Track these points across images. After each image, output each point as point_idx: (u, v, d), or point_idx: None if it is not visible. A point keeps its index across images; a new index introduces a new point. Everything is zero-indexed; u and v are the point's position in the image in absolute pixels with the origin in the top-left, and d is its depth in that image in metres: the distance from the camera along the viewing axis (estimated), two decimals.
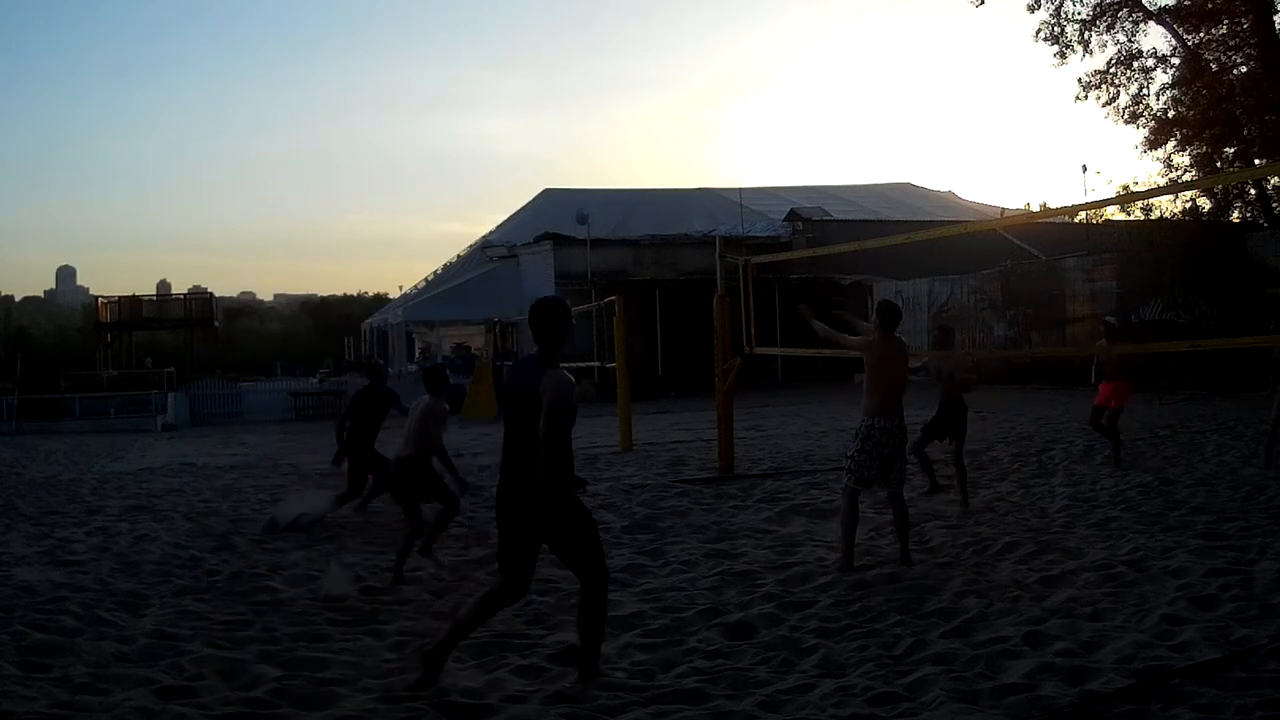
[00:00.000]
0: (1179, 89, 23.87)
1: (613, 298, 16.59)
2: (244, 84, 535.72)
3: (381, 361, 12.28)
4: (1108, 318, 12.58)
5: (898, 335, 7.17)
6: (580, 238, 31.26)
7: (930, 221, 35.17)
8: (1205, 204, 23.47)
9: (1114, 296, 23.50)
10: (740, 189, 39.11)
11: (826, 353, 11.24)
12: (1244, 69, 23.56)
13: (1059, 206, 31.93)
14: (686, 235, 34.19)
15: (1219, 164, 22.63)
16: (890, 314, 7.18)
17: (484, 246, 40.22)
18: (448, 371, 8.98)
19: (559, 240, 31.86)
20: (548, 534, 4.74)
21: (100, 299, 40.85)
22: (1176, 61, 24.27)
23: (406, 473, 7.62)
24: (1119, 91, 24.78)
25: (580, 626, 4.93)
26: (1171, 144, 23.41)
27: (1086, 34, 24.65)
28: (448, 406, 7.89)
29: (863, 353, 7.19)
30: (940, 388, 9.48)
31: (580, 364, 25.20)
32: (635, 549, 7.92)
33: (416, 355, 39.38)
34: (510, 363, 9.90)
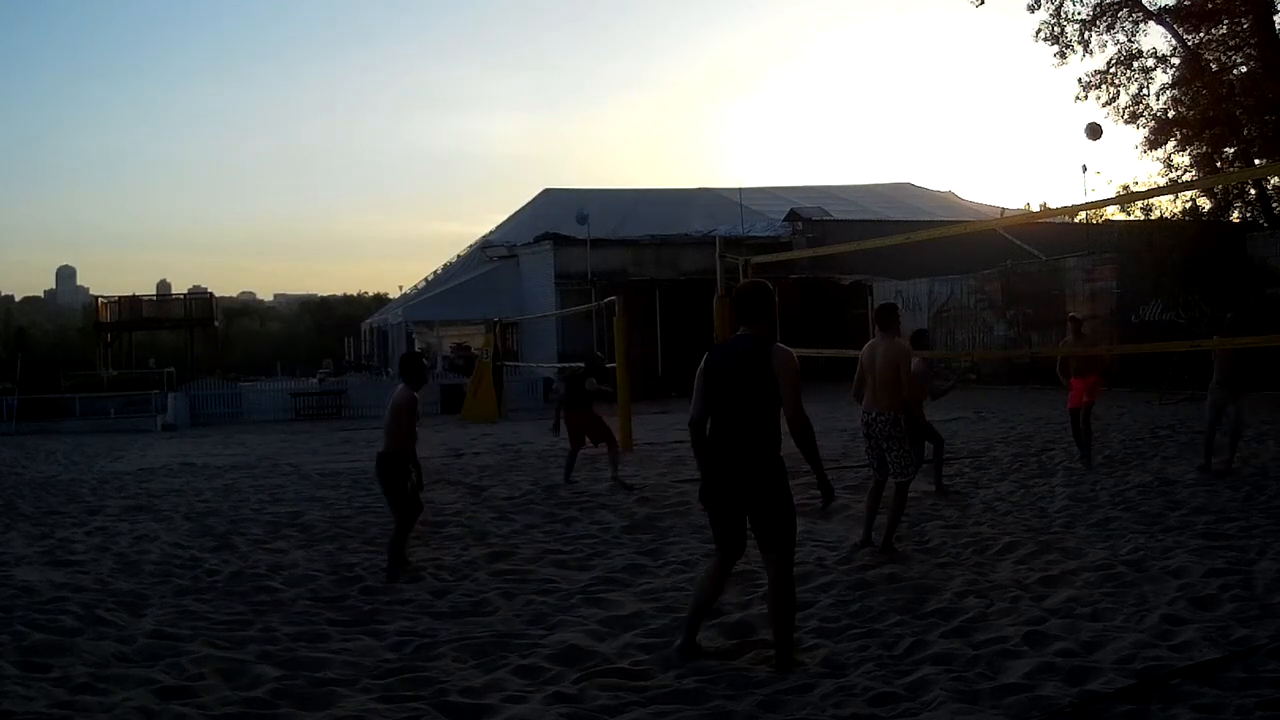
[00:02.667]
0: (1179, 89, 23.82)
1: (613, 298, 16.59)
2: (246, 84, 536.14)
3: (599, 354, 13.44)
4: (1073, 314, 12.56)
5: (890, 334, 7.57)
6: (580, 238, 31.25)
7: (930, 221, 35.15)
8: (1205, 204, 23.43)
9: (1114, 296, 23.49)
10: (740, 189, 39.10)
11: (827, 353, 11.30)
12: (1244, 69, 23.51)
13: (1059, 206, 31.90)
14: (686, 235, 34.17)
15: (1219, 164, 22.58)
16: (881, 314, 7.71)
17: (484, 246, 40.21)
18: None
19: (559, 240, 31.85)
20: (761, 502, 4.90)
21: (100, 299, 40.88)
22: (1176, 61, 24.21)
23: (383, 469, 7.56)
24: (1119, 91, 24.73)
25: (772, 612, 5.03)
26: (1171, 144, 23.36)
27: (1086, 34, 24.60)
28: (416, 396, 7.64)
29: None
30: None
31: (580, 364, 25.23)
32: (635, 549, 7.92)
33: None
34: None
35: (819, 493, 5.35)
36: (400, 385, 7.69)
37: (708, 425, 5.01)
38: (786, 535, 4.97)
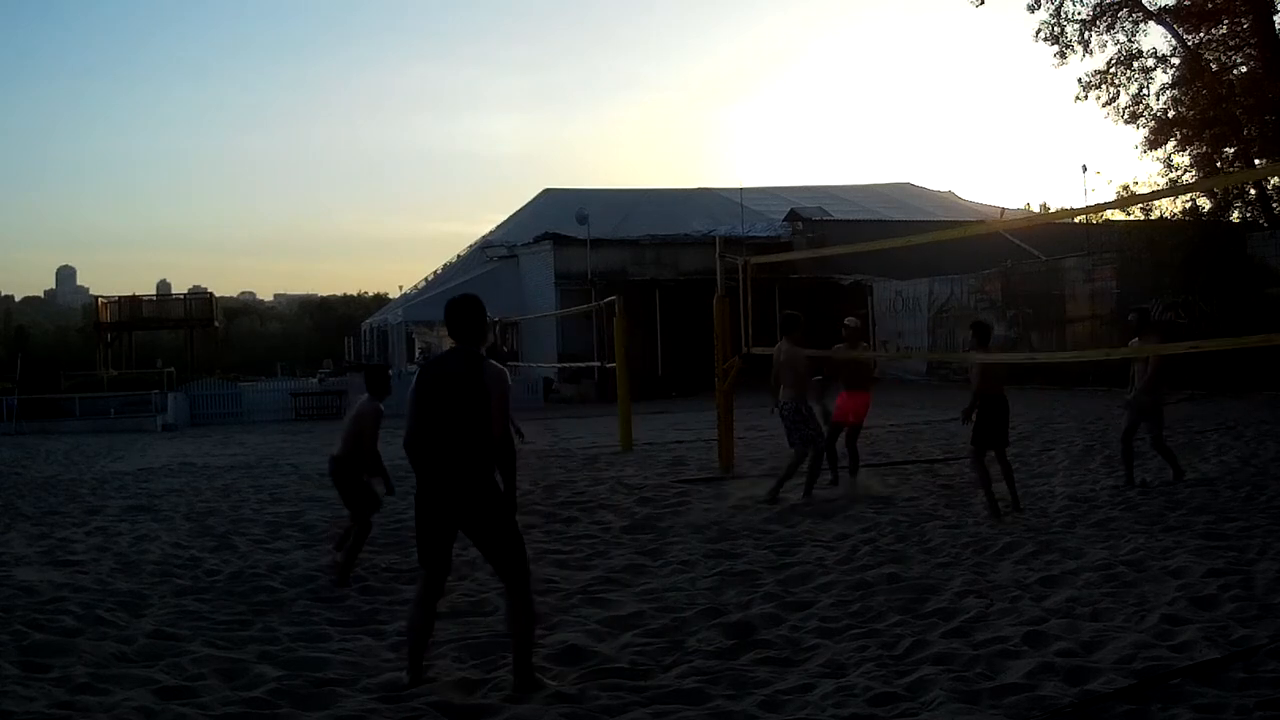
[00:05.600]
0: (1179, 89, 23.83)
1: (613, 298, 16.59)
2: (246, 83, 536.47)
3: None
4: (848, 319, 10.98)
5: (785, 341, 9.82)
6: (580, 238, 31.25)
7: (930, 221, 35.14)
8: (1205, 204, 23.43)
9: (1114, 297, 23.48)
10: (740, 189, 39.08)
11: (826, 353, 11.27)
12: (1244, 69, 23.52)
13: (1060, 209, 31.92)
14: (686, 235, 34.17)
15: (1219, 164, 22.58)
16: (785, 323, 9.93)
17: (484, 246, 40.23)
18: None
19: (559, 240, 31.86)
20: (480, 522, 4.75)
21: (100, 299, 40.81)
22: (1176, 61, 24.23)
23: (337, 472, 7.51)
24: (1119, 91, 24.74)
25: (510, 630, 4.85)
26: (1171, 144, 23.36)
27: (1086, 34, 24.61)
28: (382, 408, 7.51)
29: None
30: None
31: (580, 364, 25.28)
32: (635, 549, 7.92)
33: (417, 355, 39.39)
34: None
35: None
36: (364, 396, 7.58)
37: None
38: (514, 556, 4.77)
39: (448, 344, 5.10)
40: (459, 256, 43.49)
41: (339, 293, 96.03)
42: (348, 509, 7.53)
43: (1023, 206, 41.52)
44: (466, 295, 5.10)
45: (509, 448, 4.82)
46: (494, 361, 4.84)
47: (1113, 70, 24.61)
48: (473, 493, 4.69)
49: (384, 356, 41.04)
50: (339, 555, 7.46)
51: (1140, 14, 24.23)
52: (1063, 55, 24.94)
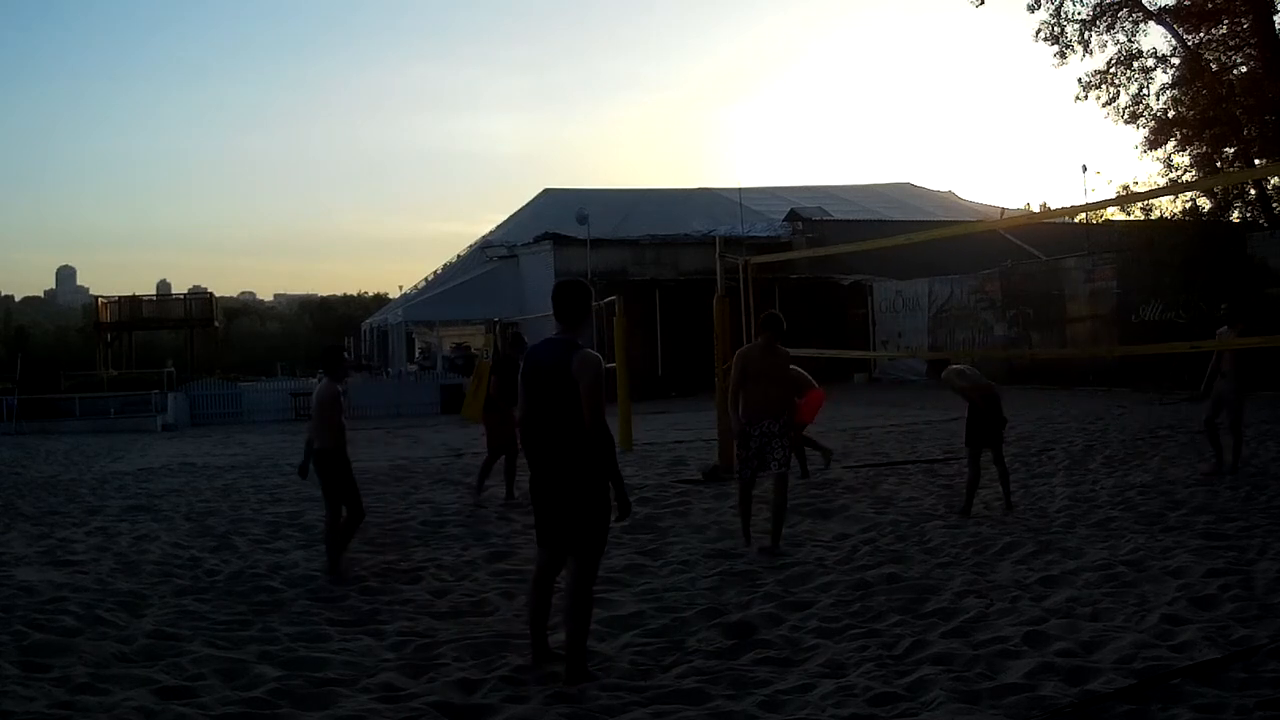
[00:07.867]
0: (1179, 89, 23.81)
1: (613, 298, 16.58)
2: (246, 84, 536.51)
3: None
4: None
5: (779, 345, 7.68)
6: (580, 238, 31.24)
7: (930, 221, 35.13)
8: (1205, 204, 23.42)
9: (1114, 296, 23.50)
10: (740, 189, 39.04)
11: (827, 353, 11.30)
12: (1244, 69, 23.52)
13: (1059, 207, 31.89)
14: (686, 235, 34.17)
15: (1219, 164, 22.56)
16: (773, 323, 7.65)
17: (484, 246, 40.19)
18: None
19: (559, 240, 31.85)
20: (566, 507, 4.82)
21: (100, 299, 40.79)
22: (1176, 61, 24.22)
23: (320, 465, 7.48)
24: (1119, 91, 24.72)
25: (566, 617, 4.91)
26: (1171, 144, 23.34)
27: (1086, 34, 24.59)
28: (340, 389, 7.52)
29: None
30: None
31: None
32: (635, 549, 7.92)
33: (416, 355, 39.38)
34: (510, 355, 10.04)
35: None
36: (323, 380, 7.61)
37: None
38: (587, 541, 4.82)
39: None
40: (459, 256, 43.45)
41: (339, 293, 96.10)
42: (332, 500, 7.45)
43: (1023, 206, 41.49)
44: (572, 280, 5.16)
45: (604, 438, 4.72)
46: (589, 350, 4.83)
47: (1113, 70, 24.59)
48: (563, 476, 4.77)
49: (384, 356, 41.04)
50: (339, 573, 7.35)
51: (1140, 14, 24.22)
52: (1063, 55, 24.93)
